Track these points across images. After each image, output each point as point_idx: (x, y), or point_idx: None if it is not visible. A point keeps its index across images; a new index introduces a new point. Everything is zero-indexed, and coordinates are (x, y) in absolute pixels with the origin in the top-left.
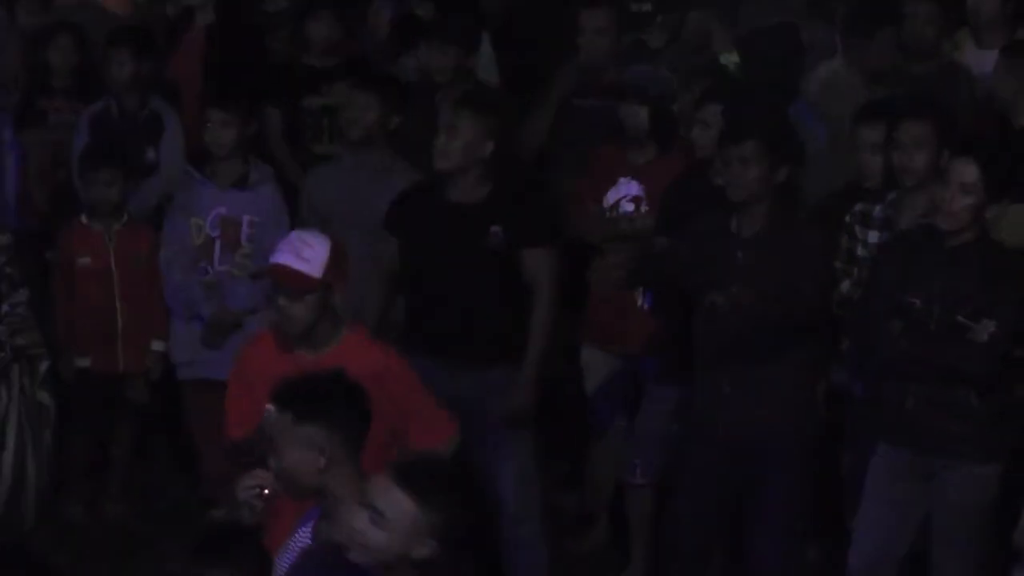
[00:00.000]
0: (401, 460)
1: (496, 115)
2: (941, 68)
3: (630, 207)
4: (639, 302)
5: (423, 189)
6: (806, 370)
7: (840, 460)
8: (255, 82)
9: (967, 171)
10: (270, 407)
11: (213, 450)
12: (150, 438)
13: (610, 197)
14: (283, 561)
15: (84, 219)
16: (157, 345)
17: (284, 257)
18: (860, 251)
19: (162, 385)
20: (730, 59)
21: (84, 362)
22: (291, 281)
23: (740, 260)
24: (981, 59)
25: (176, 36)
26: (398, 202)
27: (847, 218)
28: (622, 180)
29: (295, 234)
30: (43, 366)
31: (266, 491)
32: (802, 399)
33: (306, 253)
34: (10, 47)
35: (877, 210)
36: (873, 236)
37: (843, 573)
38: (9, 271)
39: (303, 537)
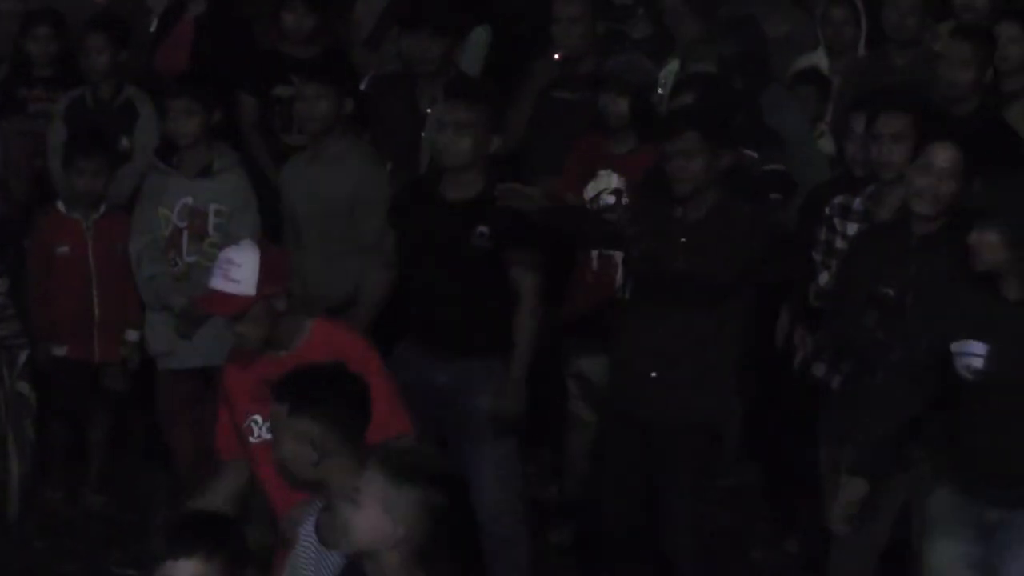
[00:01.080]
0: (382, 451)
1: (498, 110)
2: (922, 57)
3: (611, 199)
4: (620, 293)
5: (421, 183)
6: (731, 346)
7: (816, 454)
8: (232, 71)
9: (949, 155)
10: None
11: (184, 439)
12: (127, 426)
13: (590, 189)
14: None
15: (62, 207)
16: (131, 335)
17: (215, 282)
18: (839, 243)
19: (139, 374)
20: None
21: (61, 350)
22: (225, 306)
23: (682, 245)
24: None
25: (165, 27)
26: (398, 196)
27: (826, 210)
28: (602, 172)
29: (223, 256)
30: (22, 356)
31: None
32: (724, 379)
33: (234, 274)
34: None
35: (856, 203)
36: (852, 228)
37: (822, 566)
38: None
39: (307, 535)
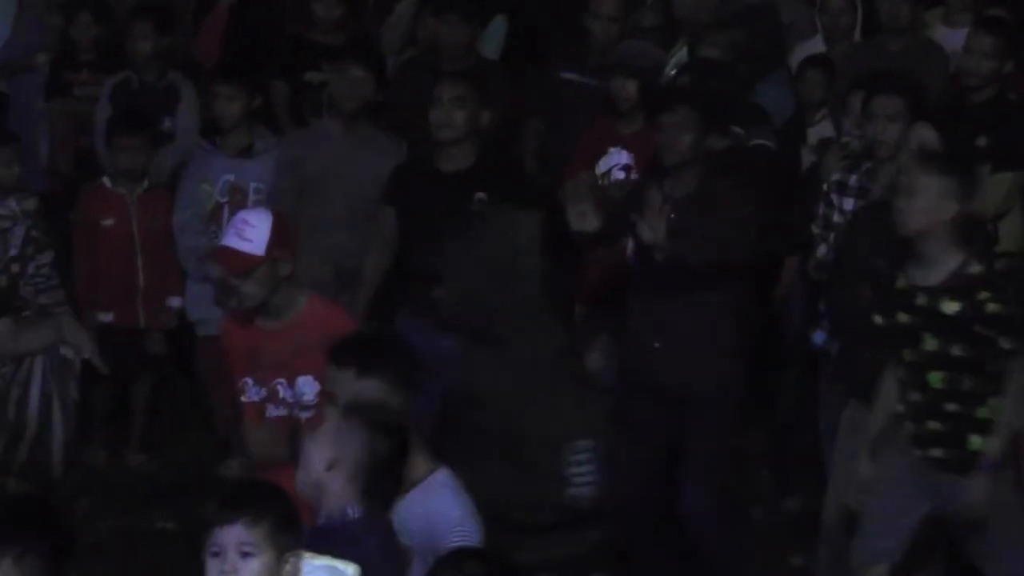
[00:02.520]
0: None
1: (490, 87)
2: (915, 44)
3: (621, 175)
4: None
5: (414, 161)
6: (730, 317)
7: (816, 417)
8: (265, 58)
9: (926, 135)
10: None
11: (223, 400)
12: (168, 390)
13: (601, 165)
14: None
15: (107, 182)
16: (173, 301)
17: (228, 240)
18: (836, 218)
19: (179, 340)
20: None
21: (107, 317)
22: (236, 262)
23: (671, 220)
24: (950, 37)
25: (201, 15)
26: (393, 176)
27: (824, 187)
28: (612, 150)
29: (238, 215)
30: None
31: None
32: (725, 347)
33: (248, 233)
34: (44, 18)
35: (852, 179)
36: (848, 203)
37: (819, 521)
38: (35, 234)
39: None
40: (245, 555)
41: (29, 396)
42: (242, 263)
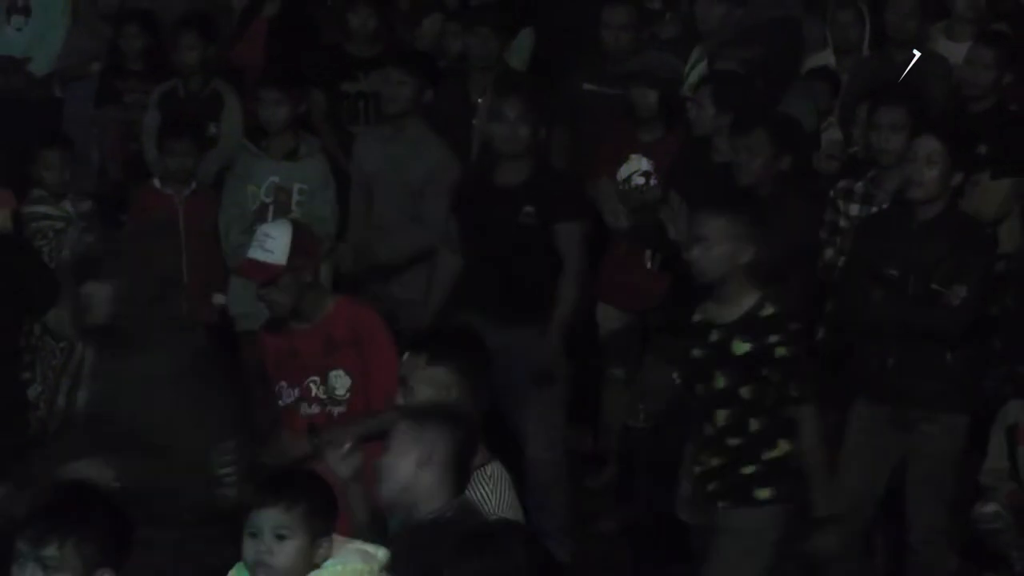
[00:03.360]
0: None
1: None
2: (921, 56)
3: (641, 180)
4: (648, 264)
5: (476, 173)
6: None
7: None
8: (302, 68)
9: (930, 145)
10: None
11: (262, 391)
12: None
13: (622, 171)
14: None
15: (157, 184)
16: (217, 298)
17: (252, 252)
18: (842, 223)
19: (223, 334)
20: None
21: None
22: (258, 273)
23: None
24: (952, 50)
25: (242, 26)
26: (459, 188)
27: (831, 193)
28: (633, 156)
29: (260, 229)
30: None
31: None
32: None
33: (268, 245)
34: (95, 30)
35: (858, 186)
36: (854, 209)
37: None
38: (87, 235)
39: None
40: (280, 537)
41: (80, 387)
42: (264, 273)
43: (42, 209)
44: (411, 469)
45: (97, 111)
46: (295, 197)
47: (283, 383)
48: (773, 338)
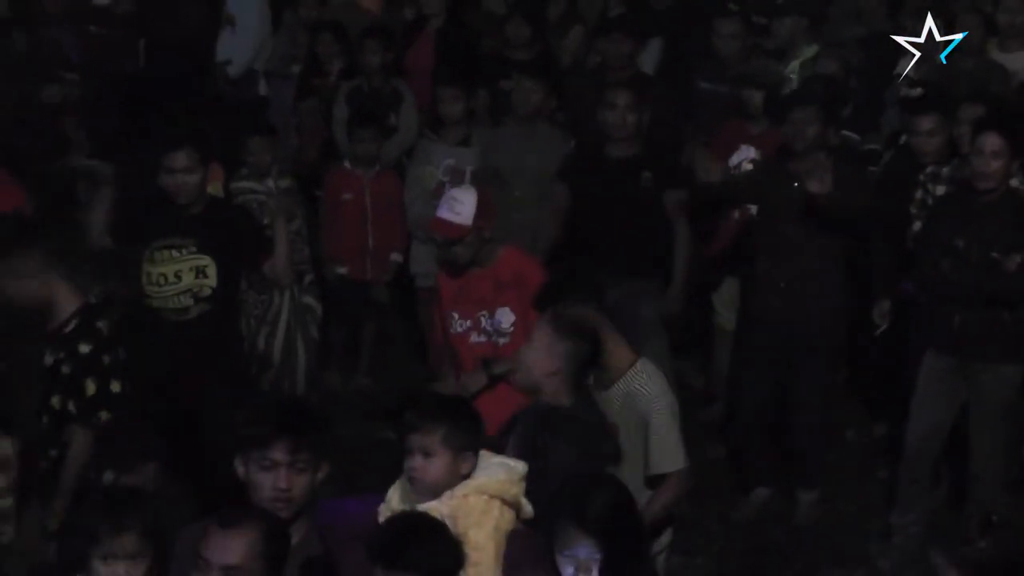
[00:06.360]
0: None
1: (647, 94)
2: (984, 64)
3: (750, 166)
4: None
5: (586, 148)
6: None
7: (906, 358)
8: (471, 70)
9: (993, 141)
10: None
11: (434, 338)
12: (390, 329)
13: (733, 159)
14: None
15: (347, 165)
16: (395, 256)
17: (441, 212)
18: (929, 201)
19: (403, 290)
20: (807, 52)
21: (343, 270)
22: (448, 232)
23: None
24: (1006, 60)
25: (412, 35)
26: (569, 159)
27: (920, 176)
28: (743, 146)
29: (449, 192)
30: (308, 277)
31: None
32: (834, 291)
33: (457, 208)
34: (296, 38)
35: (945, 170)
36: (940, 190)
37: (902, 444)
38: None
39: None
40: (427, 455)
41: (276, 333)
42: (454, 232)
43: (248, 184)
44: (539, 374)
45: (297, 104)
46: (467, 177)
47: (455, 314)
48: None
